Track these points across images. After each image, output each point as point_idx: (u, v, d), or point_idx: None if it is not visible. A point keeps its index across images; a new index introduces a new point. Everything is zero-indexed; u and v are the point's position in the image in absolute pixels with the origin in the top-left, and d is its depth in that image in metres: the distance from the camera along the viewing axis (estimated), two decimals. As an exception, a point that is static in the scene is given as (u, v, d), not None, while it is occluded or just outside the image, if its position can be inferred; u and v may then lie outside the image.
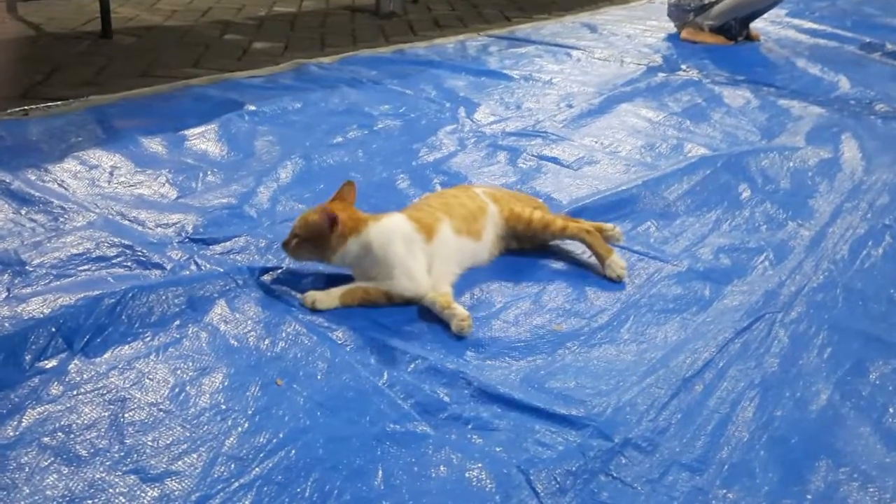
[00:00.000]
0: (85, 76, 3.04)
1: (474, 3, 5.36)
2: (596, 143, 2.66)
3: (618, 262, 1.77)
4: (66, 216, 1.85)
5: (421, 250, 1.62)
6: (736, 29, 4.34)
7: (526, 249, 1.86)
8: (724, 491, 1.17)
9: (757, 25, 4.54)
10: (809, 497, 1.17)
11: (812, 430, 1.32)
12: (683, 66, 3.74)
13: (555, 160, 2.47)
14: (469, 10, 5.09)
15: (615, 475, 1.18)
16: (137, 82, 2.94)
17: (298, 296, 1.60)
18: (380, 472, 1.16)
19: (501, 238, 1.82)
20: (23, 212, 1.87)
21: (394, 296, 1.58)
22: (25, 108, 2.54)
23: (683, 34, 4.35)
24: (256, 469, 1.15)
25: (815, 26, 4.90)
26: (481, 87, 3.20)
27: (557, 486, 1.14)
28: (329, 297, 1.56)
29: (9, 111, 2.49)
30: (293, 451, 1.18)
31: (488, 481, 1.14)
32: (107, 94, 2.76)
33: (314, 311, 1.54)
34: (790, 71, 3.83)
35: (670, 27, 4.53)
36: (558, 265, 1.82)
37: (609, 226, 1.88)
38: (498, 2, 5.46)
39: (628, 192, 2.18)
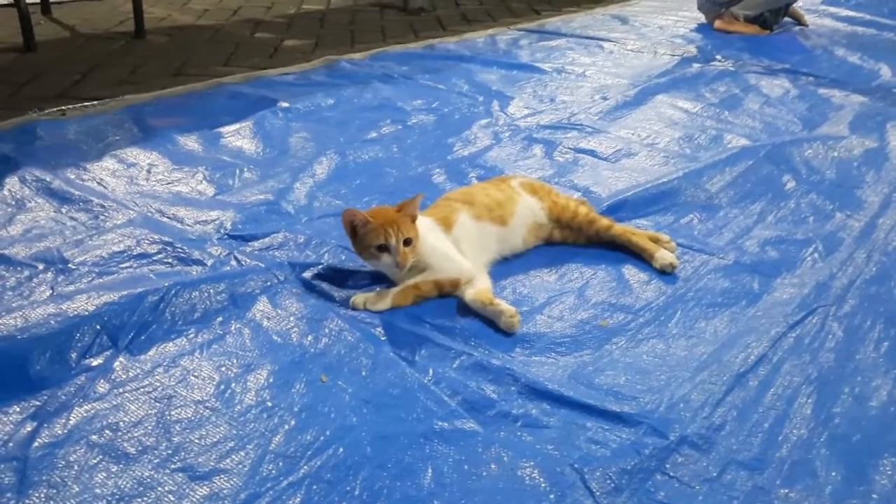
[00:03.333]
0: (120, 76, 3.06)
1: (502, -3, 5.32)
2: (633, 135, 2.61)
3: (666, 254, 1.73)
4: (106, 214, 1.85)
5: (445, 238, 1.63)
6: (771, 19, 4.26)
7: (567, 243, 1.83)
8: (786, 490, 1.13)
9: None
10: (876, 497, 1.12)
11: (874, 427, 1.27)
12: (718, 57, 3.66)
13: (592, 153, 2.43)
14: (497, 5, 5.05)
15: (671, 474, 1.14)
16: (171, 81, 2.96)
17: (340, 293, 1.58)
18: (429, 471, 1.14)
19: (540, 228, 1.80)
20: (63, 210, 1.87)
21: (442, 282, 1.56)
22: (62, 108, 2.56)
23: (717, 24, 4.27)
24: (305, 467, 1.13)
25: (852, 14, 4.79)
26: (514, 81, 3.17)
27: (613, 485, 1.11)
28: (381, 299, 1.53)
29: (46, 111, 2.51)
30: (341, 449, 1.17)
31: (541, 480, 1.12)
32: (142, 93, 2.77)
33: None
34: (829, 59, 3.74)
35: (702, 18, 4.45)
36: (600, 258, 1.78)
37: (665, 237, 1.83)
38: (526, -5, 5.41)
39: (669, 185, 2.13)
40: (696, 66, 3.48)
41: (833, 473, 1.17)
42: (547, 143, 2.49)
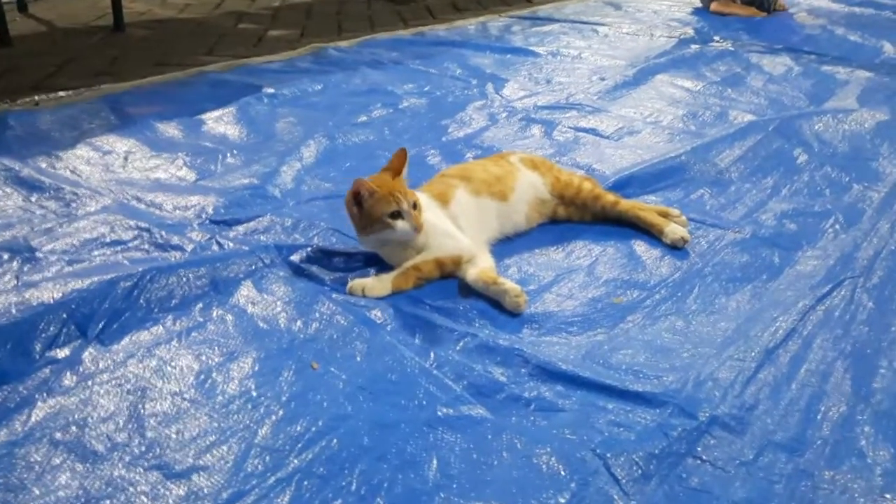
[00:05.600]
0: (98, 67, 2.93)
1: (492, -13, 5.21)
2: (634, 113, 2.50)
3: (676, 227, 1.62)
4: (78, 202, 1.73)
5: (443, 214, 1.53)
6: (768, 1, 4.16)
7: (573, 220, 1.72)
8: (832, 473, 1.01)
9: (787, -3, 4.37)
10: (931, 477, 1.01)
11: (920, 401, 1.16)
12: (716, 38, 3.57)
13: (593, 131, 2.32)
14: (487, -6, 4.94)
15: (704, 458, 1.03)
16: (151, 71, 2.83)
17: (331, 275, 1.46)
18: (434, 461, 1.02)
19: (543, 204, 1.68)
20: (33, 199, 1.75)
21: (444, 260, 1.45)
22: (36, 98, 2.43)
23: (713, 7, 4.17)
24: (294, 461, 1.01)
25: (849, -5, 4.70)
26: (508, 64, 3.06)
27: (640, 471, 0.99)
28: (381, 283, 1.41)
29: (19, 102, 2.38)
30: (335, 441, 1.05)
31: (560, 467, 1.00)
32: (120, 82, 2.64)
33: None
34: (829, 38, 3.65)
35: (696, 1, 4.36)
36: (608, 235, 1.67)
37: (675, 211, 1.71)
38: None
39: (676, 160, 2.02)
40: (694, 46, 3.38)
41: (881, 452, 1.05)
42: (546, 122, 2.38)
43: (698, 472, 1.00)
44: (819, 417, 1.12)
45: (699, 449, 1.04)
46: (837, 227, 1.73)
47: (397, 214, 1.40)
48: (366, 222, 1.43)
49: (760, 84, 2.86)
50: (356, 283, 1.42)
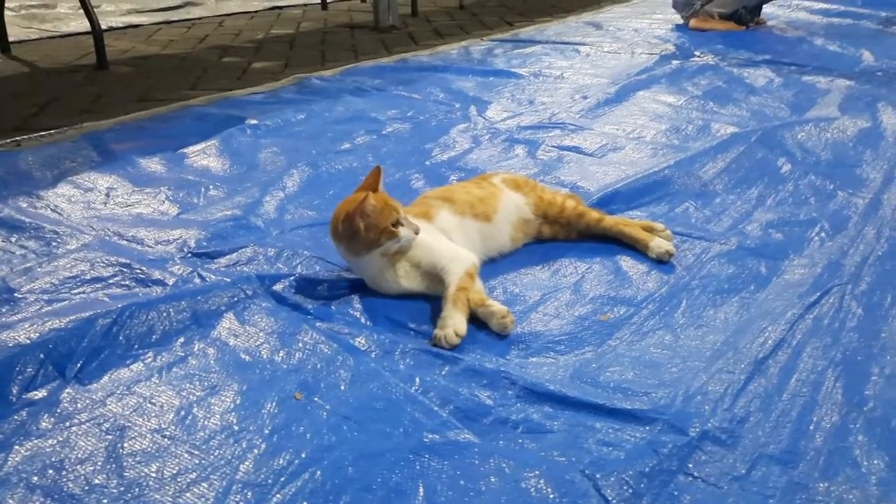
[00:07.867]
0: (81, 106, 2.93)
1: (474, 12, 5.26)
2: (617, 130, 2.51)
3: (661, 241, 1.62)
4: (58, 240, 1.71)
5: (434, 230, 1.52)
6: (746, 16, 4.21)
7: (558, 239, 1.71)
8: (826, 484, 0.99)
9: (766, 10, 4.41)
10: (928, 484, 0.99)
11: (913, 407, 1.14)
12: (697, 53, 3.59)
13: (576, 149, 2.32)
14: (469, 19, 4.98)
15: (696, 474, 1.00)
16: (135, 107, 2.83)
17: (315, 304, 1.44)
18: (421, 490, 0.99)
19: (527, 224, 1.67)
20: (12, 239, 1.73)
21: (470, 270, 1.43)
22: (17, 138, 2.42)
23: (692, 23, 4.22)
24: (277, 495, 0.98)
25: (826, 6, 4.77)
26: (490, 87, 3.07)
27: (630, 490, 0.97)
28: (458, 319, 1.33)
29: (0, 143, 2.37)
30: (319, 473, 1.02)
31: (549, 490, 0.97)
32: (103, 120, 2.64)
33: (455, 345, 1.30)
34: (809, 49, 3.69)
35: (677, 18, 4.40)
36: (594, 252, 1.66)
37: (660, 225, 1.70)
38: (498, 9, 5.36)
39: (660, 174, 2.02)
40: (675, 62, 3.41)
41: (876, 461, 1.03)
42: (529, 142, 2.38)
43: (690, 489, 0.98)
44: (811, 428, 1.10)
45: (690, 465, 1.02)
46: (823, 234, 1.73)
47: (398, 223, 1.41)
48: (371, 238, 1.40)
49: (742, 96, 2.88)
50: (438, 332, 1.32)
